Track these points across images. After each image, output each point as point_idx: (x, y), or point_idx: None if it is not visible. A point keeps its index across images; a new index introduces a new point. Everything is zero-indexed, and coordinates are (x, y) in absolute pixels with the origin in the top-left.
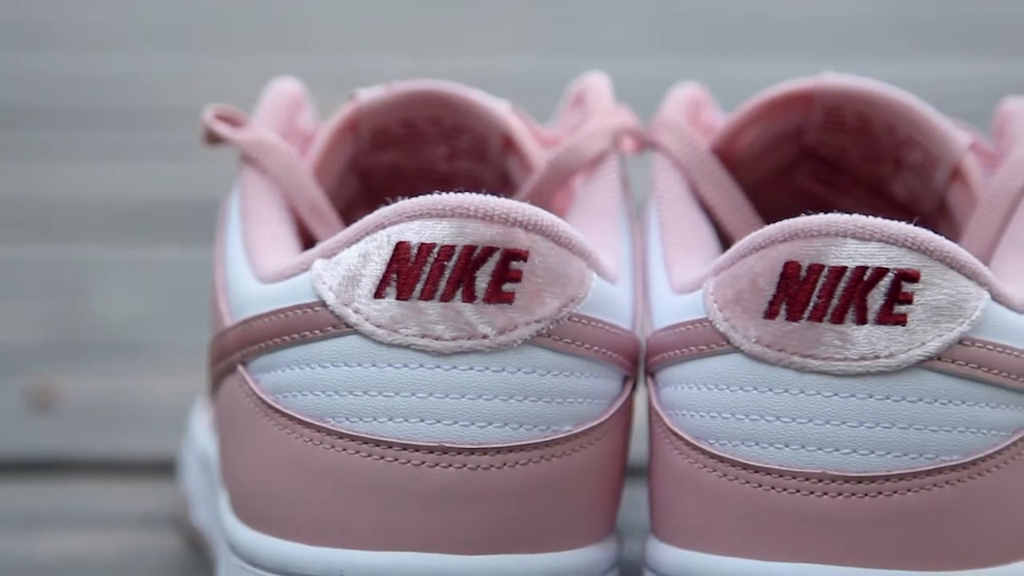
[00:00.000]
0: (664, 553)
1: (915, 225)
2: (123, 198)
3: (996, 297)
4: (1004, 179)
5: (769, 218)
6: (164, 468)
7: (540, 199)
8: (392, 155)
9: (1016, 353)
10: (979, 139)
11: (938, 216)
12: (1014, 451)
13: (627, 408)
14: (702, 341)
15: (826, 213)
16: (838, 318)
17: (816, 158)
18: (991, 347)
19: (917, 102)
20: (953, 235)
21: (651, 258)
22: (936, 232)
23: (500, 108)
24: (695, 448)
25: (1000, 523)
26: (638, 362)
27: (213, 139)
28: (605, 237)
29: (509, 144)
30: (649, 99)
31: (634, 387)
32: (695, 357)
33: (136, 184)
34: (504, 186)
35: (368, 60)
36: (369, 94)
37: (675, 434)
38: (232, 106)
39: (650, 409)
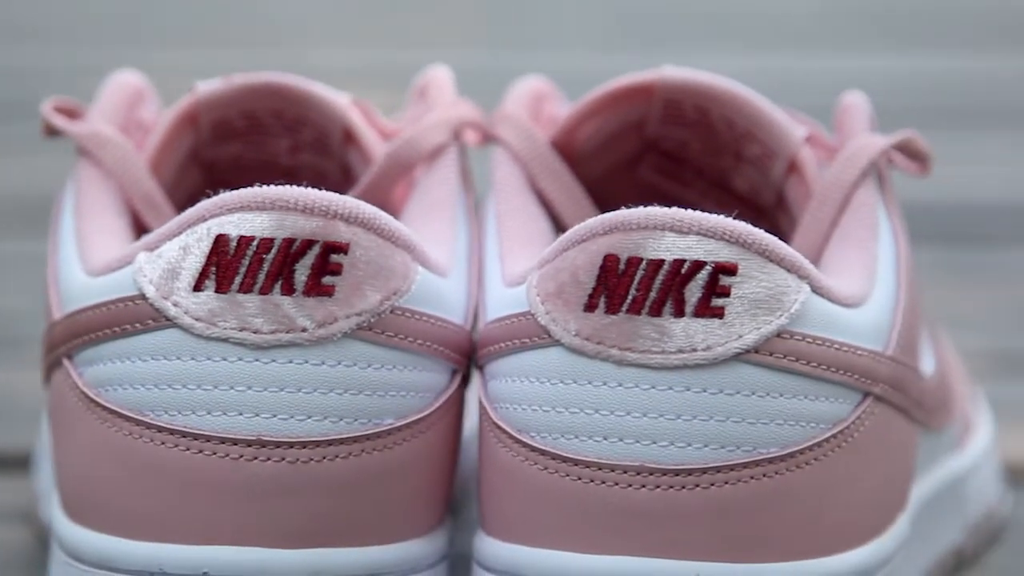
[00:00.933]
0: (490, 547)
1: (756, 219)
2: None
3: (817, 290)
4: (837, 172)
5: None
6: (20, 463)
7: (378, 192)
8: (234, 148)
9: (836, 346)
10: (818, 132)
11: (777, 209)
12: (833, 444)
13: (454, 402)
14: (525, 334)
15: (669, 207)
16: (656, 311)
17: (659, 152)
18: (810, 340)
19: (754, 96)
20: (791, 228)
21: (487, 251)
22: (775, 225)
23: (341, 101)
24: (518, 441)
25: (819, 516)
26: (469, 355)
27: (51, 131)
28: (439, 230)
29: (350, 137)
30: None
31: (465, 381)
32: (518, 350)
33: (27, 178)
34: (346, 179)
35: (311, 55)
36: (208, 86)
37: (499, 427)
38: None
39: (480, 402)
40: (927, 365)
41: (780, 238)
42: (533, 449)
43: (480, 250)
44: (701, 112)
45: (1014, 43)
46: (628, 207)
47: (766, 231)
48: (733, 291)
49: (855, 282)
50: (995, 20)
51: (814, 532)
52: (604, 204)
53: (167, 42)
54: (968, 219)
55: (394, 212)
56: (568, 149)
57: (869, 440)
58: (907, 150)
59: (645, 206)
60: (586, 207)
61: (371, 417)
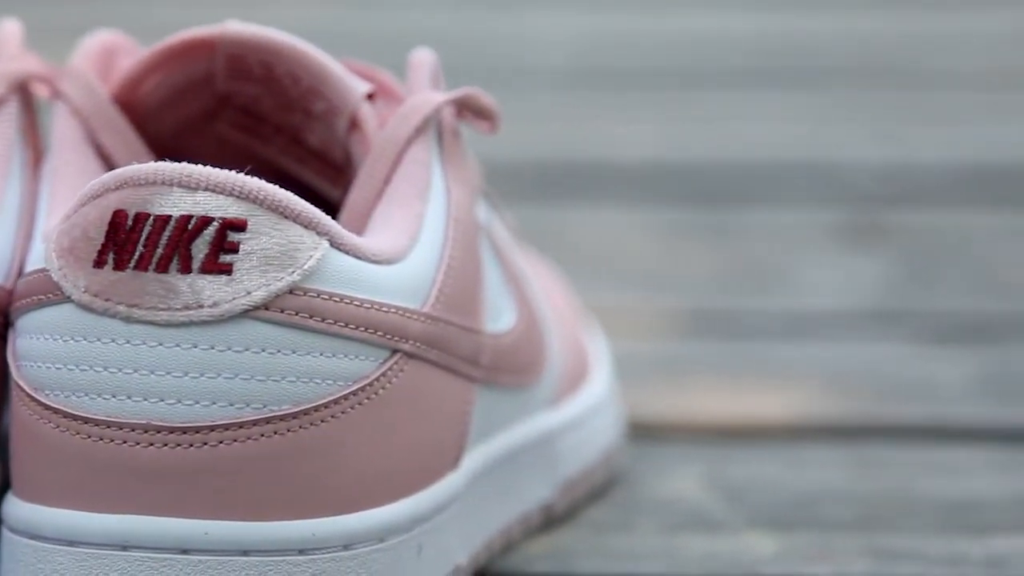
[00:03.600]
0: (13, 507)
1: (335, 176)
2: None
3: (339, 246)
4: (392, 129)
5: None
6: None
7: None
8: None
9: (357, 303)
10: (391, 89)
11: (347, 165)
12: (354, 401)
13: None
14: (41, 291)
15: (244, 165)
16: (163, 268)
17: (236, 108)
18: (326, 296)
19: (317, 51)
20: None
21: (39, 207)
22: (349, 182)
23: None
24: (33, 399)
25: (337, 473)
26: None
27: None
28: None
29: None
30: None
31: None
32: (36, 307)
33: None
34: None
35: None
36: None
37: (19, 385)
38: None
39: (7, 360)
40: (500, 322)
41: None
42: (47, 407)
43: (34, 205)
44: (266, 67)
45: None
46: (218, 166)
47: (343, 189)
48: (242, 247)
49: (392, 240)
50: None
51: (331, 489)
52: (185, 161)
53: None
54: (721, 179)
55: None
56: (132, 104)
57: (398, 397)
58: (470, 107)
59: (220, 165)
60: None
61: (266, 403)
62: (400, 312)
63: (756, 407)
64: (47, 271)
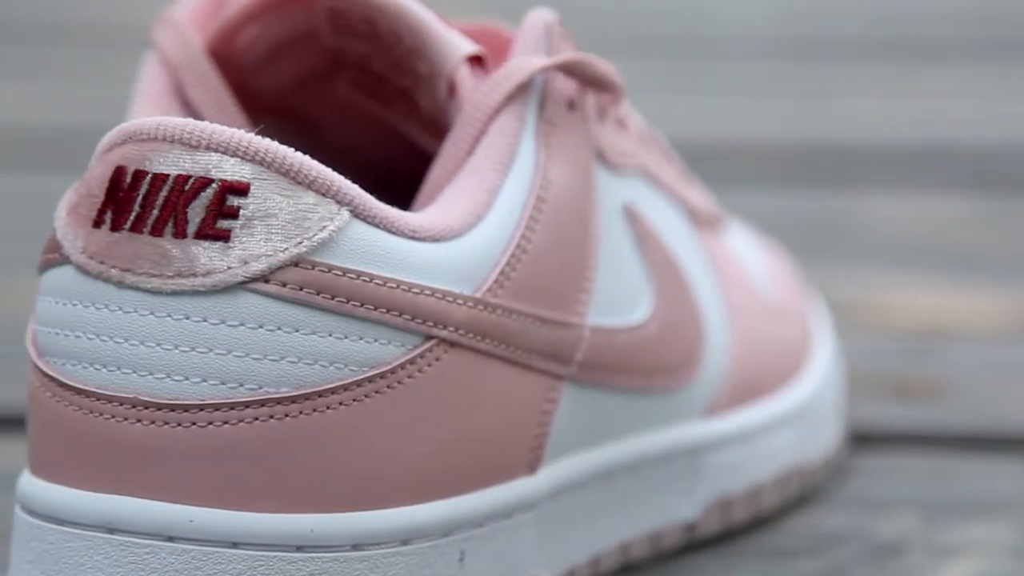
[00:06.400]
0: (22, 478)
1: None
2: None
3: (365, 217)
4: (482, 96)
5: (311, 133)
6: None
7: None
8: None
9: (379, 281)
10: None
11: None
12: (369, 388)
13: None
14: (49, 250)
15: (375, 130)
16: (158, 231)
17: (354, 67)
18: (339, 272)
19: (417, 6)
20: None
21: None
22: None
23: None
24: (36, 367)
25: (347, 466)
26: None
27: None
28: None
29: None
30: None
31: None
32: (46, 267)
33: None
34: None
35: None
36: None
37: (28, 351)
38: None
39: None
40: (624, 316)
41: None
42: (46, 376)
43: None
44: (369, 23)
45: None
46: (337, 130)
47: None
48: (242, 212)
49: (448, 215)
50: None
51: (337, 482)
52: (299, 121)
53: None
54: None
55: None
56: (229, 58)
57: (432, 387)
58: (579, 74)
59: (340, 129)
60: (238, 120)
61: (260, 383)
62: (440, 295)
63: None
64: (54, 229)
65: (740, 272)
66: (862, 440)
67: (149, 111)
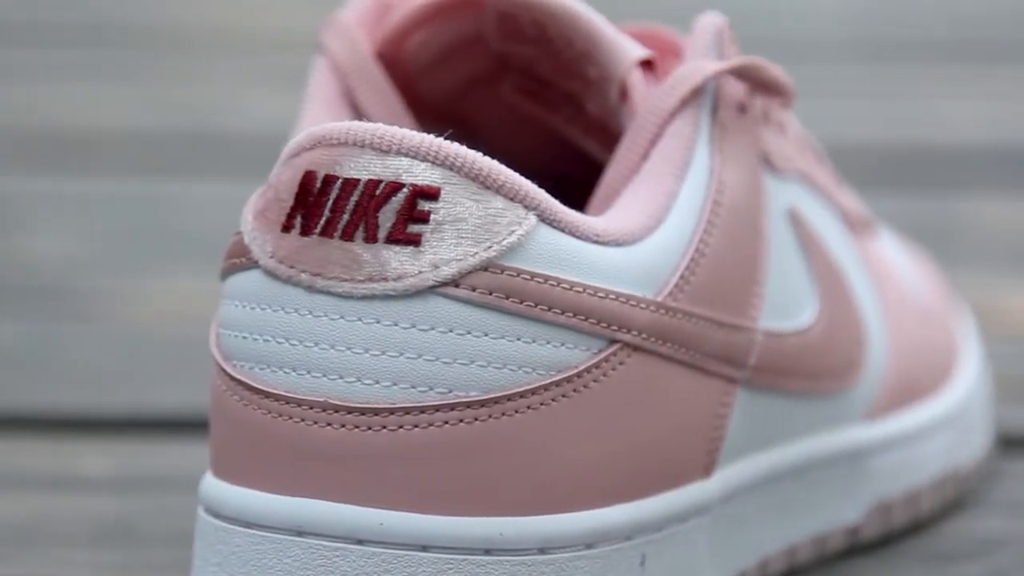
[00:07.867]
0: (204, 481)
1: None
2: (57, 124)
3: (552, 222)
4: (656, 100)
5: (474, 136)
6: (73, 425)
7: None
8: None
9: (567, 285)
10: (674, 55)
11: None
12: (557, 392)
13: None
14: (236, 254)
15: (537, 134)
16: (348, 236)
17: (517, 70)
18: (527, 276)
19: (589, 11)
20: None
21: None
22: None
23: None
24: (222, 370)
25: (536, 470)
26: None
27: None
28: None
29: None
30: None
31: None
32: (232, 272)
33: (74, 109)
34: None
35: None
36: None
37: (213, 355)
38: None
39: None
40: (793, 320)
41: None
42: (233, 379)
43: None
44: (539, 27)
45: None
46: (501, 134)
47: None
48: (433, 217)
49: (629, 219)
50: None
51: (526, 486)
52: (463, 125)
53: None
54: None
55: None
56: (398, 62)
57: (616, 392)
58: (751, 78)
59: (503, 132)
60: (407, 125)
61: (451, 387)
62: (624, 299)
63: None
64: (240, 233)
65: (893, 275)
66: (1009, 444)
67: (321, 116)
